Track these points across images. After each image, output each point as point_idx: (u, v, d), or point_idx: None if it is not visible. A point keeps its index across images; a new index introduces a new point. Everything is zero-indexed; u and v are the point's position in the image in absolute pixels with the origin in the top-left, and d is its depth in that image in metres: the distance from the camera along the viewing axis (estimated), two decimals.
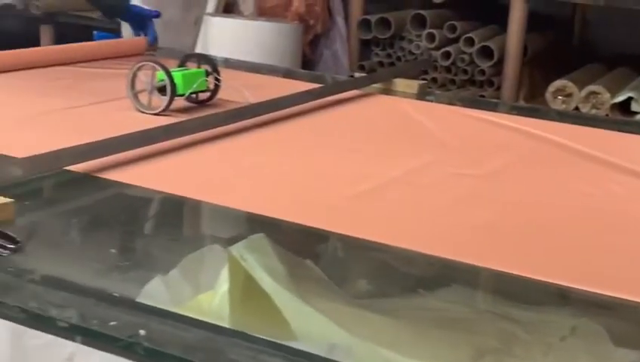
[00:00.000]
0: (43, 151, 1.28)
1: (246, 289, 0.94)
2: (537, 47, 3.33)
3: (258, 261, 0.94)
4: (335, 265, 1.17)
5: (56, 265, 1.03)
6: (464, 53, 3.20)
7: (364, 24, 3.42)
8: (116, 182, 1.32)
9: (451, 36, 3.26)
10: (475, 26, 3.35)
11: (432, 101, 2.14)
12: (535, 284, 1.06)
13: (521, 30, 3.12)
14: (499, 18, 3.28)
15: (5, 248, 0.97)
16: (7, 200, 1.09)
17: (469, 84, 3.25)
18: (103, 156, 1.35)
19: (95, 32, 2.47)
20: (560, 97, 2.94)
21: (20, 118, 1.69)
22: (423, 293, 1.08)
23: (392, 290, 1.09)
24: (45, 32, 4.02)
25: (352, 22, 3.52)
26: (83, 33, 3.61)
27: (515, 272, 1.09)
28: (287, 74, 2.45)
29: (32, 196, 1.29)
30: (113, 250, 1.11)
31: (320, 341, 0.85)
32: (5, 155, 1.36)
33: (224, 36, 3.27)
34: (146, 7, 2.51)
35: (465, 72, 3.22)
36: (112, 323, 0.81)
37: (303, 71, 2.88)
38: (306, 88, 2.01)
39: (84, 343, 0.82)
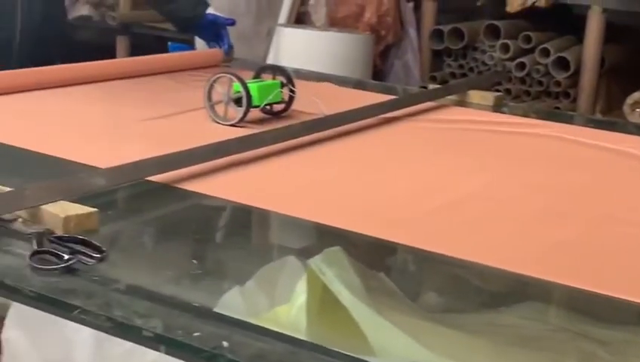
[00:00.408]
0: (123, 163, 1.31)
1: (323, 302, 0.94)
2: (614, 58, 3.26)
3: (336, 274, 0.94)
4: (408, 278, 1.17)
5: (136, 274, 1.05)
6: (539, 64, 3.16)
7: (437, 34, 3.40)
8: (194, 192, 1.34)
9: (526, 47, 3.22)
10: (551, 36, 3.30)
11: (506, 113, 2.12)
12: (617, 303, 1.04)
13: (598, 41, 3.06)
14: (575, 29, 3.23)
15: (91, 257, 0.99)
16: (92, 209, 1.12)
17: (544, 96, 3.20)
18: (181, 167, 1.37)
19: (170, 43, 2.50)
20: (638, 110, 2.88)
21: (100, 130, 1.73)
22: (498, 309, 1.07)
23: (466, 305, 1.08)
24: (121, 42, 4.11)
25: (424, 32, 3.51)
26: (158, 44, 3.68)
27: (595, 290, 1.06)
28: (359, 85, 2.46)
29: (115, 206, 1.32)
30: (194, 261, 1.13)
31: (399, 356, 0.85)
32: (89, 166, 1.39)
33: (296, 47, 3.30)
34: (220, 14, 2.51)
35: (540, 83, 3.17)
36: (195, 333, 0.83)
37: (374, 82, 2.88)
38: (378, 100, 2.01)
39: (167, 353, 0.83)
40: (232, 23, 2.48)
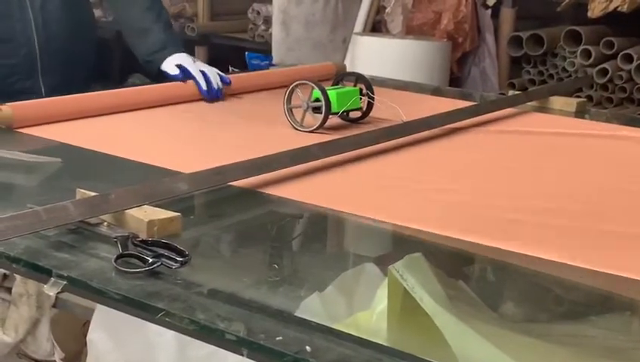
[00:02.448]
0: (206, 168, 1.33)
1: (404, 308, 0.93)
2: None
3: (418, 280, 0.93)
4: (488, 287, 1.15)
5: (218, 278, 1.06)
6: (622, 70, 3.08)
7: (515, 41, 3.35)
8: (274, 197, 1.35)
9: (608, 53, 3.14)
10: (634, 42, 3.21)
11: (589, 119, 2.08)
12: None
13: None
14: None
15: (174, 261, 1.00)
16: (175, 214, 1.14)
17: (627, 102, 3.12)
18: (262, 173, 1.38)
19: (247, 53, 2.51)
20: None
21: (183, 136, 1.76)
22: (582, 320, 1.04)
23: (549, 315, 1.06)
24: (200, 53, 4.18)
25: (501, 39, 3.46)
26: (235, 54, 3.73)
27: None
28: (436, 92, 2.44)
29: (197, 210, 1.34)
30: (274, 265, 1.13)
31: None
32: (172, 171, 1.42)
33: (372, 55, 3.29)
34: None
35: (623, 89, 3.09)
36: (278, 338, 0.83)
37: (452, 88, 2.85)
38: (456, 106, 1.99)
39: (250, 357, 0.83)
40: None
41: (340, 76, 1.98)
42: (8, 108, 1.68)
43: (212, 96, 2.05)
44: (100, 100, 1.89)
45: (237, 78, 2.20)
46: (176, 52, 2.12)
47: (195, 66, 2.08)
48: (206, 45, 4.18)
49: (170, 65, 2.09)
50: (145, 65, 2.19)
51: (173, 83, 2.07)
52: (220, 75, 2.10)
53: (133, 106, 1.92)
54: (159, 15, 2.19)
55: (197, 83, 2.05)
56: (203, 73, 2.06)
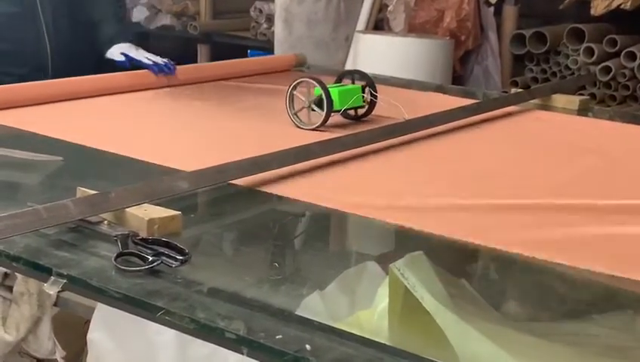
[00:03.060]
0: (206, 166, 1.32)
1: (405, 307, 0.93)
2: None
3: (419, 279, 0.93)
4: (490, 285, 1.14)
5: (219, 277, 1.06)
6: (625, 67, 3.07)
7: (518, 39, 3.34)
8: (275, 195, 1.34)
9: (611, 50, 3.13)
10: (637, 39, 3.21)
11: (592, 117, 2.07)
12: None
13: None
14: None
15: (174, 259, 1.00)
16: (175, 212, 1.13)
17: (630, 100, 3.11)
18: (263, 171, 1.38)
19: (249, 51, 2.54)
20: None
21: (183, 134, 1.75)
22: (585, 318, 1.03)
23: (551, 314, 1.05)
24: (203, 51, 4.18)
25: (504, 37, 3.46)
26: (237, 52, 3.73)
27: None
28: (439, 90, 2.44)
29: (197, 209, 1.34)
30: (275, 264, 1.13)
31: None
32: (173, 169, 1.41)
33: (374, 53, 3.29)
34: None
35: (626, 87, 3.08)
36: (278, 336, 0.82)
37: (454, 87, 2.85)
38: (459, 104, 1.99)
39: (250, 355, 0.83)
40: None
41: (342, 74, 1.97)
42: None
43: (161, 69, 2.16)
44: (70, 86, 1.96)
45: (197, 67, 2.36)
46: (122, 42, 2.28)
47: (139, 53, 2.23)
48: (208, 43, 4.18)
49: (115, 54, 2.25)
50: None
51: (143, 71, 2.18)
52: (163, 60, 2.23)
53: (99, 92, 2.02)
54: (116, 10, 2.39)
55: (143, 64, 2.18)
56: (147, 58, 2.20)
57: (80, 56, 2.24)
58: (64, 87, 1.96)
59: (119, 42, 2.28)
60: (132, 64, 2.20)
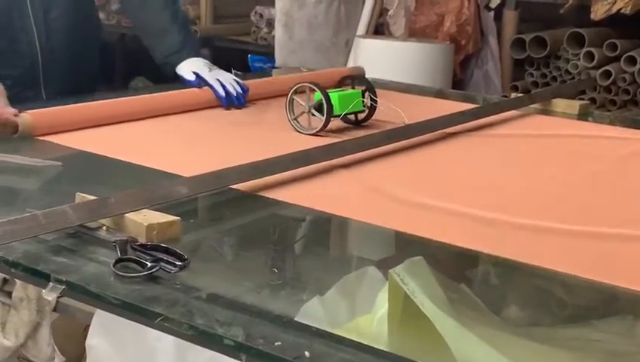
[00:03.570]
0: (205, 171, 1.32)
1: (405, 312, 0.92)
2: None
3: (418, 285, 0.93)
4: (490, 290, 1.14)
5: (218, 282, 1.05)
6: (625, 72, 3.07)
7: (518, 43, 3.34)
8: (275, 200, 1.34)
9: (611, 55, 3.13)
10: (637, 44, 3.20)
11: (592, 122, 2.07)
12: None
13: None
14: None
15: (173, 265, 0.99)
16: (174, 218, 1.13)
17: (631, 105, 3.11)
18: (263, 176, 1.38)
19: (250, 55, 2.51)
20: None
21: (184, 139, 1.75)
22: (586, 323, 1.03)
23: (552, 319, 1.05)
24: (203, 56, 4.17)
25: (504, 41, 3.46)
26: (238, 56, 3.73)
27: None
28: (439, 94, 2.44)
29: (197, 214, 1.34)
30: (274, 269, 1.13)
31: None
32: (172, 175, 1.41)
33: (375, 57, 3.29)
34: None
35: (626, 92, 3.08)
36: (277, 343, 0.82)
37: (455, 91, 2.85)
38: (459, 109, 1.99)
39: None
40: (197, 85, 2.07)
41: (342, 78, 1.97)
42: (28, 116, 1.66)
43: (230, 103, 2.02)
44: (115, 107, 1.86)
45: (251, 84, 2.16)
46: (193, 56, 2.11)
47: (212, 74, 2.06)
48: (209, 48, 4.17)
49: (186, 71, 2.07)
50: (162, 67, 2.17)
51: (188, 90, 2.04)
52: (237, 81, 2.08)
53: (149, 113, 1.90)
54: (175, 15, 2.17)
55: (214, 90, 2.02)
56: (219, 82, 2.04)
57: (75, 58, 2.14)
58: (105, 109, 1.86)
59: (187, 56, 2.09)
60: (201, 85, 2.04)
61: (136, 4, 2.18)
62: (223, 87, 2.03)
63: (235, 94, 2.02)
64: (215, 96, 2.02)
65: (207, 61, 2.14)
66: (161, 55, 2.13)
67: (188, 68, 2.07)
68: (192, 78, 2.04)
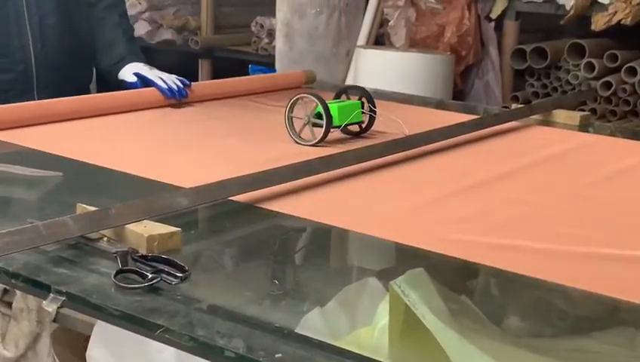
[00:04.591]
0: (206, 182, 1.32)
1: (405, 324, 0.92)
2: None
3: (419, 296, 0.92)
4: (491, 301, 1.14)
5: (219, 294, 1.05)
6: (626, 83, 3.07)
7: (519, 54, 3.35)
8: (275, 212, 1.34)
9: (612, 66, 3.14)
10: (638, 54, 3.21)
11: (592, 132, 2.07)
12: None
13: None
14: None
15: (174, 276, 0.99)
16: (175, 229, 1.13)
17: (631, 116, 3.11)
18: (263, 187, 1.38)
19: (250, 66, 2.53)
20: None
21: (182, 150, 1.75)
22: (587, 334, 1.03)
23: (553, 330, 1.05)
24: (204, 66, 4.19)
25: (505, 52, 3.46)
26: (239, 67, 3.74)
27: None
28: (440, 105, 2.44)
29: (198, 225, 1.34)
30: (275, 281, 1.12)
31: None
32: (172, 186, 1.41)
33: (375, 68, 3.29)
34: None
35: (627, 102, 3.09)
36: (277, 354, 0.82)
37: (455, 102, 2.85)
38: (460, 120, 1.99)
39: None
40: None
41: (341, 89, 1.97)
42: None
43: (173, 94, 2.09)
44: (72, 105, 1.93)
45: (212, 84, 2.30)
46: (134, 61, 2.21)
47: (152, 73, 2.14)
48: (209, 58, 4.18)
49: (127, 74, 2.18)
50: (106, 77, 2.26)
51: (147, 89, 2.12)
52: (179, 78, 2.15)
53: (105, 111, 1.98)
54: (126, 30, 2.30)
55: (156, 85, 2.10)
56: (161, 78, 2.12)
57: (68, 64, 2.17)
58: (68, 105, 1.94)
59: (129, 61, 2.22)
60: (145, 85, 2.13)
61: (96, 19, 2.26)
62: (164, 82, 2.10)
63: (175, 87, 2.10)
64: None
65: (148, 65, 2.22)
66: (107, 64, 2.24)
67: (129, 70, 2.18)
68: (134, 79, 2.15)
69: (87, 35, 2.31)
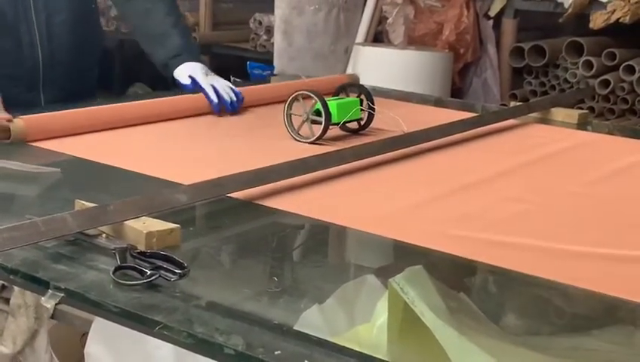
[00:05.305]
0: (205, 179, 1.32)
1: (404, 322, 0.92)
2: None
3: (418, 294, 0.92)
4: (490, 299, 1.14)
5: (217, 291, 1.05)
6: (624, 81, 3.08)
7: (517, 52, 3.35)
8: (274, 209, 1.34)
9: (610, 64, 3.14)
10: (636, 53, 3.21)
11: (590, 131, 2.07)
12: None
13: None
14: None
15: (173, 273, 0.99)
16: (174, 225, 1.13)
17: (629, 114, 3.12)
18: (261, 184, 1.38)
19: (249, 62, 2.52)
20: None
21: (180, 147, 1.75)
22: (585, 332, 1.03)
23: (551, 328, 1.05)
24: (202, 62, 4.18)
25: (503, 50, 3.47)
26: (237, 63, 3.73)
27: None
28: (438, 103, 2.44)
29: (196, 222, 1.33)
30: (273, 278, 1.12)
31: None
32: (171, 183, 1.41)
33: (374, 65, 3.30)
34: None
35: (625, 101, 3.09)
36: (276, 351, 0.82)
37: (454, 100, 2.85)
38: (458, 117, 1.99)
39: None
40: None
41: (340, 87, 1.97)
42: (20, 121, 1.66)
43: (221, 109, 2.02)
44: (109, 113, 1.87)
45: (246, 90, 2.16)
46: (192, 60, 2.11)
47: (207, 79, 2.06)
48: (208, 55, 4.18)
49: (182, 74, 2.08)
50: (162, 70, 2.16)
51: (185, 96, 2.05)
52: (232, 88, 2.07)
53: (144, 120, 1.90)
54: (177, 21, 2.18)
55: (207, 95, 2.02)
56: (213, 87, 2.04)
57: (75, 61, 2.15)
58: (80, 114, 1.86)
59: (186, 60, 2.10)
60: (195, 89, 2.05)
61: (140, 11, 2.17)
62: (217, 92, 2.03)
63: (228, 100, 2.03)
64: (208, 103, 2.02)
65: (205, 67, 2.14)
66: (163, 58, 2.13)
67: (185, 71, 2.07)
68: (188, 81, 2.05)
69: (98, 30, 2.30)
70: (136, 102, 1.99)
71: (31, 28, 2.04)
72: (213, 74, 2.12)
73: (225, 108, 2.03)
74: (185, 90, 2.06)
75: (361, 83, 2.18)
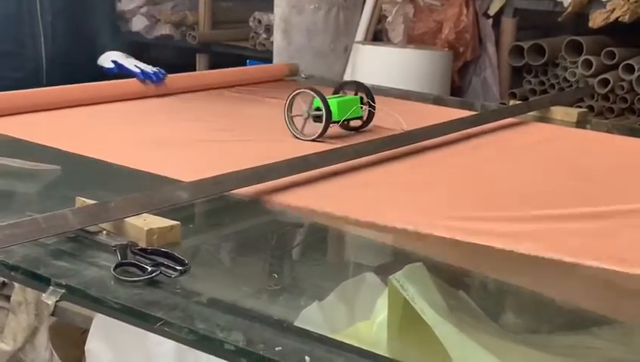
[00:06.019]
0: (205, 176, 1.32)
1: (404, 318, 0.93)
2: None
3: (418, 291, 0.93)
4: (488, 296, 1.14)
5: (218, 287, 1.06)
6: (623, 80, 3.08)
7: (516, 51, 3.35)
8: (274, 206, 1.34)
9: (609, 63, 3.14)
10: (635, 52, 3.21)
11: (590, 129, 2.07)
12: None
13: None
14: None
15: (173, 269, 0.99)
16: (174, 222, 1.13)
17: (628, 113, 3.12)
18: (262, 181, 1.38)
19: (248, 61, 2.55)
20: None
21: (182, 144, 1.75)
22: (584, 331, 1.03)
23: (550, 326, 1.05)
24: (201, 60, 4.18)
25: (502, 49, 3.46)
26: (236, 62, 3.74)
27: None
28: (438, 101, 2.44)
29: (197, 219, 1.34)
30: (274, 274, 1.13)
31: None
32: (172, 180, 1.41)
33: (373, 64, 3.29)
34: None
35: (624, 100, 3.09)
36: (277, 348, 0.82)
37: (453, 98, 2.85)
38: (457, 116, 1.99)
39: None
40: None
41: (340, 85, 1.97)
42: None
43: (147, 77, 2.17)
44: (60, 94, 1.97)
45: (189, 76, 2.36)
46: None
47: (128, 61, 2.25)
48: (207, 53, 4.18)
49: (106, 60, 2.28)
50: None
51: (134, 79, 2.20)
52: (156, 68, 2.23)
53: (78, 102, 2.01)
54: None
55: (128, 70, 2.19)
56: (135, 66, 2.21)
57: (76, 63, 2.23)
58: (56, 94, 1.97)
59: (112, 50, 2.31)
60: (120, 71, 2.23)
61: None
62: (139, 68, 2.20)
63: (151, 72, 2.19)
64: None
65: (125, 54, 2.33)
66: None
67: (107, 58, 2.29)
68: (111, 65, 2.26)
69: (95, 32, 2.36)
70: (76, 85, 2.10)
71: (36, 31, 2.07)
72: (133, 58, 2.30)
73: (150, 80, 2.17)
74: (109, 73, 2.26)
75: (361, 81, 2.18)
